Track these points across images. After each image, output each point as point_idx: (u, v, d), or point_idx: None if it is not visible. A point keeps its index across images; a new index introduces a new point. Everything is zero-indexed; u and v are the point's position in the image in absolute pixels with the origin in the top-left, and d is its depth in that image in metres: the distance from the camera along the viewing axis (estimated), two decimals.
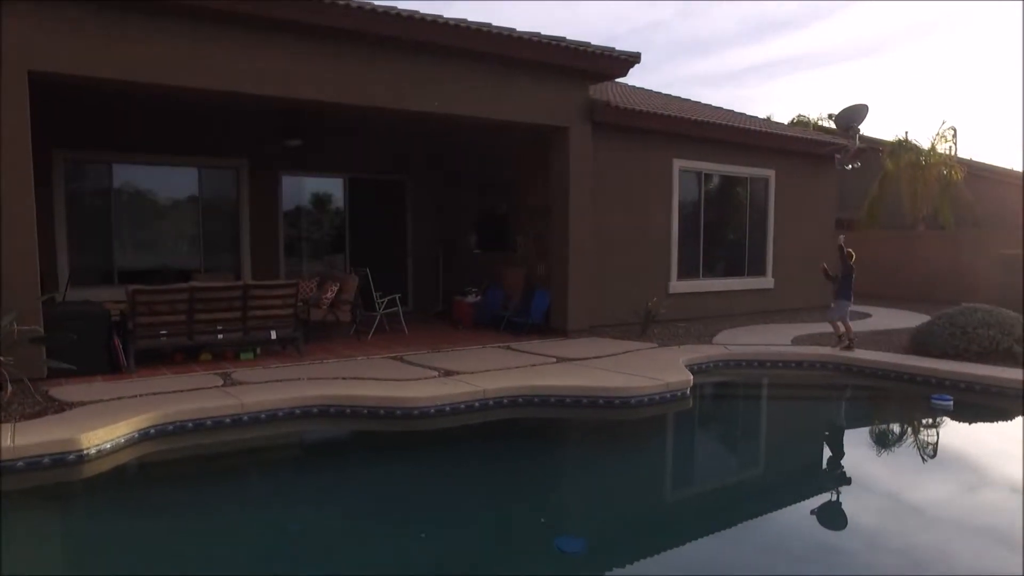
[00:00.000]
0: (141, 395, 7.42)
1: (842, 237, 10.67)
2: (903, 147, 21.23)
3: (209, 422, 6.94)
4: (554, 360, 9.68)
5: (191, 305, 8.95)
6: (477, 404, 7.69)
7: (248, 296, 9.27)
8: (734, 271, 14.74)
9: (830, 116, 15.05)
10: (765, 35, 48.08)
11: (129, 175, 12.30)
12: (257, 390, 7.66)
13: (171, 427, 6.76)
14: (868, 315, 15.41)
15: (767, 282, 15.21)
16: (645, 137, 12.70)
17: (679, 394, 8.30)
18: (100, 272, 12.07)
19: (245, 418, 7.09)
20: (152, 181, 12.49)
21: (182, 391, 7.64)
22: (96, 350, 8.57)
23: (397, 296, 12.04)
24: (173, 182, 12.66)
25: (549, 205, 12.17)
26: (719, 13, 51.83)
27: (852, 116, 15.34)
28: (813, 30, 47.80)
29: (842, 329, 10.59)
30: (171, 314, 8.88)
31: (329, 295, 11.20)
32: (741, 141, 14.03)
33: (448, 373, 8.71)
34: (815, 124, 24.27)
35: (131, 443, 6.42)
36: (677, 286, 13.53)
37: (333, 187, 14.30)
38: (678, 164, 13.38)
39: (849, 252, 10.64)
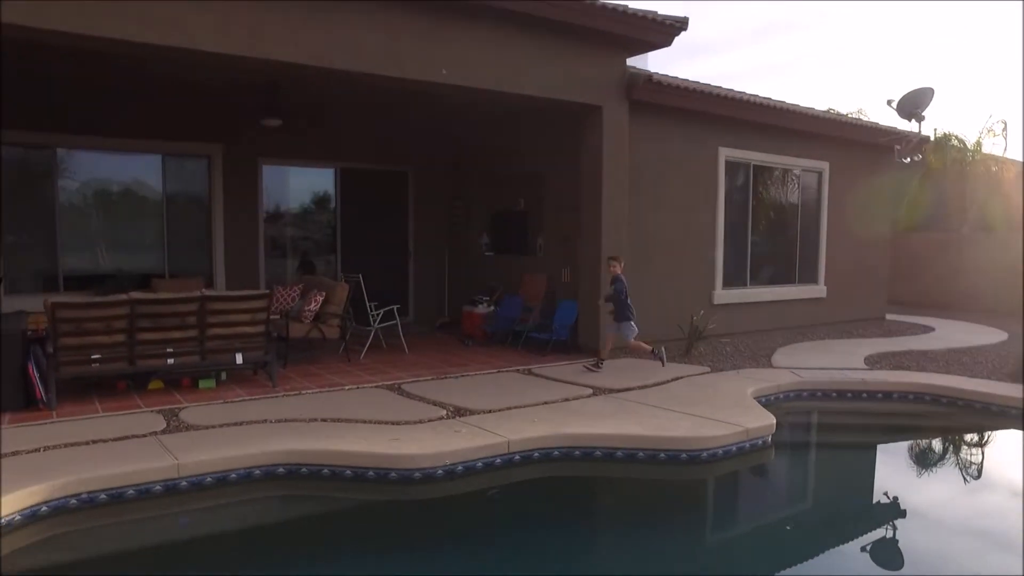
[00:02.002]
0: (47, 447, 5.49)
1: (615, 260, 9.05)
2: (947, 142, 19.31)
3: (131, 491, 5.01)
4: (590, 392, 7.75)
5: (132, 322, 7.02)
6: (499, 461, 5.75)
7: (206, 310, 7.34)
8: (783, 278, 12.78)
9: (889, 102, 12.95)
10: (776, 32, 46.02)
11: (78, 162, 10.37)
12: (206, 440, 5.73)
13: (73, 502, 4.82)
14: (931, 328, 13.50)
15: (819, 291, 13.26)
16: (687, 121, 10.77)
17: (760, 443, 6.37)
18: (43, 277, 10.15)
19: (183, 484, 5.16)
20: (106, 170, 10.55)
21: (106, 440, 5.71)
22: (5, 379, 6.66)
23: (395, 307, 10.10)
24: (132, 171, 10.73)
25: (577, 200, 10.23)
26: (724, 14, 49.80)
27: (916, 101, 13.33)
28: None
29: (608, 347, 9.11)
30: (106, 333, 6.95)
31: (313, 306, 9.26)
32: (795, 127, 12.07)
33: (459, 412, 6.78)
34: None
35: (11, 529, 4.49)
36: (722, 295, 11.58)
37: (322, 179, 12.34)
38: (724, 153, 11.45)
39: (614, 269, 8.91)
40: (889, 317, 14.68)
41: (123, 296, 7.01)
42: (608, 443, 6.04)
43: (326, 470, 5.44)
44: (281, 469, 5.45)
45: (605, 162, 9.70)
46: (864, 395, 8.39)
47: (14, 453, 5.37)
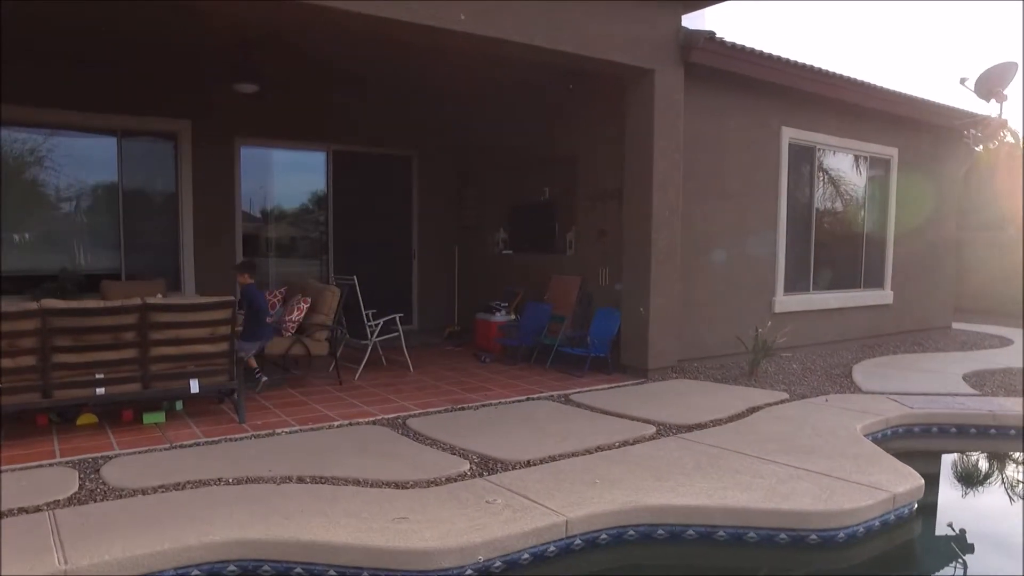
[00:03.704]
0: None
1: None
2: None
3: None
4: (652, 430, 5.94)
5: (45, 340, 5.21)
6: (553, 549, 3.94)
7: (149, 323, 5.53)
8: (847, 282, 10.97)
9: (962, 80, 11.12)
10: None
11: (15, 141, 8.55)
12: (124, 518, 3.90)
13: None
14: (1008, 340, 11.73)
15: (885, 296, 11.47)
16: (748, 94, 8.98)
17: (907, 511, 4.57)
18: None
19: None
20: (50, 150, 8.72)
21: None
22: None
23: (398, 316, 8.27)
24: (80, 151, 8.90)
25: (619, 188, 8.44)
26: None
27: (998, 78, 11.54)
28: None
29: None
30: (8, 355, 5.14)
31: (296, 315, 7.45)
32: (867, 105, 10.27)
33: (486, 465, 4.98)
34: None
35: None
36: (783, 302, 9.78)
37: (311, 163, 10.51)
38: (787, 134, 9.65)
39: (244, 279, 7.09)
40: (955, 326, 12.94)
41: (31, 305, 5.19)
42: (705, 519, 4.22)
43: (299, 569, 3.63)
44: (232, 568, 3.65)
45: (657, 139, 7.90)
46: (992, 431, 6.60)
47: None
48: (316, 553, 3.61)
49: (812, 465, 4.97)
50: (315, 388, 7.35)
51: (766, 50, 8.64)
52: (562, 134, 9.52)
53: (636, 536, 4.19)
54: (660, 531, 4.22)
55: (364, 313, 8.01)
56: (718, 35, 8.04)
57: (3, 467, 4.80)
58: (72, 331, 5.31)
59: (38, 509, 4.06)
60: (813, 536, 4.16)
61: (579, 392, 7.32)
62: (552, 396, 7.16)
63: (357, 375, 7.85)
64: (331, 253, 10.63)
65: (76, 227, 8.98)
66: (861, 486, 4.56)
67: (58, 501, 4.19)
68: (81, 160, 8.90)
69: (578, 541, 4.03)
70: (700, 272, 8.74)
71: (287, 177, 10.51)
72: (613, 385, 7.72)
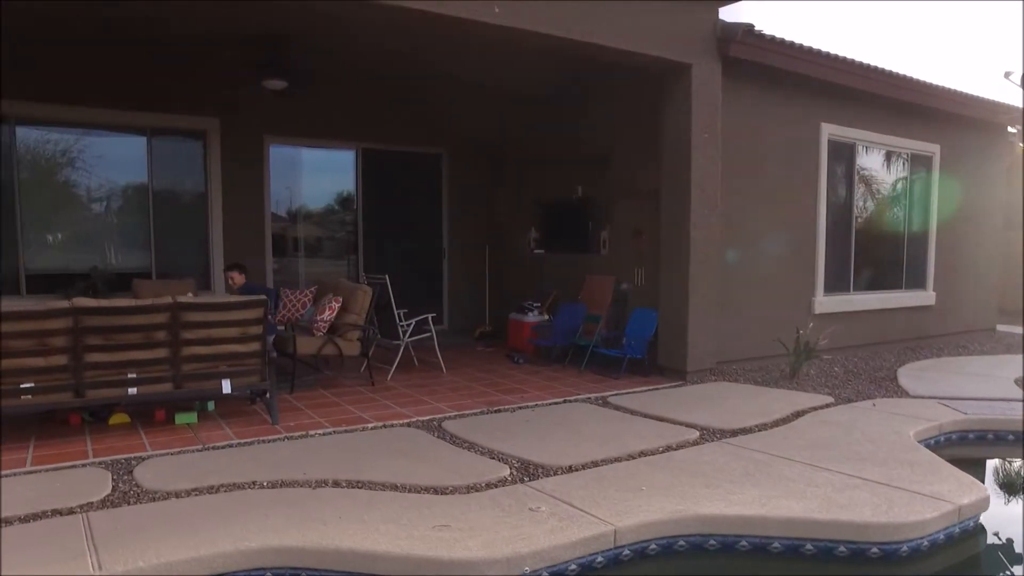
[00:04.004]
0: None
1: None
2: None
3: None
4: (696, 434, 5.74)
5: (77, 339, 5.12)
6: (601, 560, 3.76)
7: (180, 322, 5.43)
8: (888, 283, 10.67)
9: (1007, 74, 10.83)
10: None
11: (47, 142, 8.53)
12: (156, 523, 3.78)
13: None
14: None
15: (927, 297, 11.14)
16: (786, 89, 8.74)
17: (971, 525, 4.34)
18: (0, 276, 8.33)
19: None
20: (76, 147, 8.68)
21: (11, 522, 3.81)
22: None
23: (430, 316, 8.13)
24: (111, 151, 8.86)
25: (655, 185, 8.24)
26: None
27: None
28: None
29: None
30: (40, 355, 5.06)
31: (328, 315, 7.34)
32: (908, 101, 9.97)
33: (527, 469, 4.81)
34: None
35: None
36: (823, 303, 9.51)
37: (340, 161, 10.41)
38: (827, 131, 9.39)
39: (237, 280, 7.07)
40: (999, 328, 12.56)
41: (63, 304, 5.10)
42: (760, 529, 4.02)
43: None
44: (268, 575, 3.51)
45: (695, 136, 7.70)
46: None
47: None
48: (355, 562, 3.46)
49: (867, 473, 4.75)
50: (347, 389, 7.23)
51: (805, 44, 8.40)
52: (595, 131, 9.33)
53: (687, 547, 4.00)
54: (712, 541, 4.02)
55: (396, 313, 7.87)
56: (756, 28, 7.82)
57: (35, 468, 4.72)
58: (104, 330, 5.22)
59: (71, 511, 3.96)
60: (874, 549, 3.94)
61: (616, 394, 7.13)
62: (589, 398, 6.98)
63: (389, 376, 7.72)
64: (360, 252, 10.51)
65: (107, 226, 8.94)
66: (922, 496, 4.33)
67: (92, 503, 4.09)
68: (111, 160, 8.85)
69: (626, 551, 3.85)
70: (737, 272, 8.51)
71: (316, 176, 10.41)
72: (651, 387, 7.52)
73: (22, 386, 5.04)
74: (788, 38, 8.14)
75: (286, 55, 7.75)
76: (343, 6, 5.86)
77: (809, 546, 3.98)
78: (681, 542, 4.00)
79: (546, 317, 9.34)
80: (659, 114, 8.09)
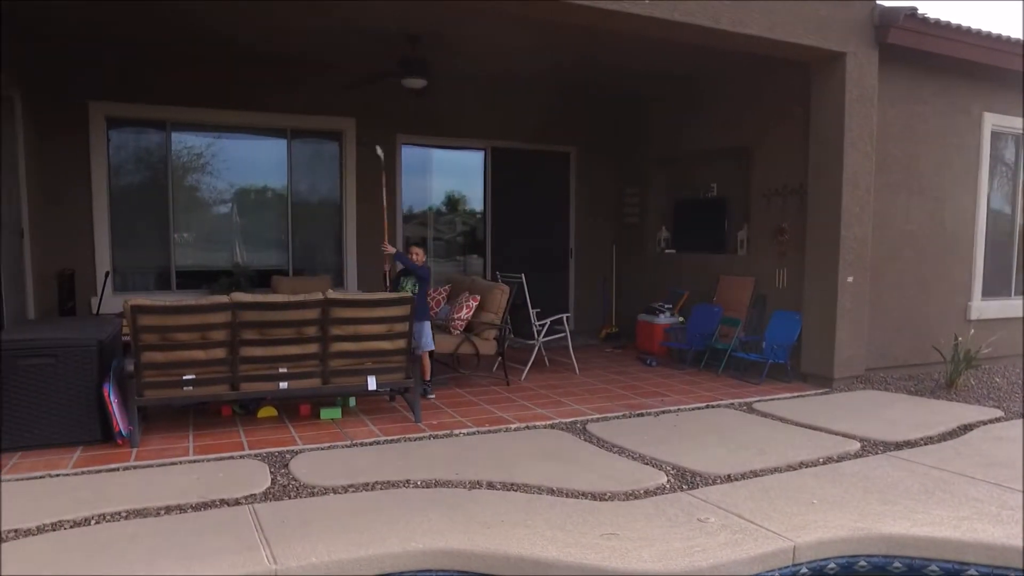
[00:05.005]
0: (83, 522, 3.73)
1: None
2: None
3: None
4: (857, 445, 5.37)
5: (234, 333, 5.26)
6: None
7: (330, 318, 5.49)
8: None
9: None
10: None
11: (192, 142, 8.89)
12: (321, 518, 3.78)
13: None
14: None
15: None
16: (944, 75, 8.12)
17: None
18: (154, 272, 8.74)
19: None
20: (223, 149, 9.01)
21: (183, 509, 3.91)
22: (78, 407, 5.05)
23: (565, 316, 8.00)
24: (254, 153, 9.16)
25: (801, 182, 7.83)
26: None
27: None
28: None
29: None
30: (201, 347, 5.21)
31: (465, 313, 7.32)
32: None
33: (684, 477, 4.59)
34: None
35: None
36: (981, 308, 8.81)
37: (470, 161, 10.42)
38: (990, 120, 8.69)
39: (417, 253, 6.58)
40: None
41: (223, 298, 5.24)
42: (954, 554, 3.66)
43: None
44: None
45: (848, 130, 7.25)
46: None
47: (14, 532, 3.62)
48: (525, 568, 3.35)
49: None
50: (482, 388, 7.18)
51: (973, 27, 7.78)
52: (732, 125, 8.95)
53: (868, 568, 3.69)
54: (897, 563, 3.70)
55: (531, 312, 7.78)
56: (920, 12, 7.29)
57: (197, 457, 4.86)
58: (258, 325, 5.33)
59: (238, 502, 4.03)
60: None
61: (760, 400, 6.79)
62: (733, 404, 6.67)
63: (524, 376, 7.63)
64: (488, 252, 10.49)
65: (247, 225, 9.23)
66: None
67: (255, 495, 4.15)
68: (254, 161, 9.14)
69: (804, 570, 3.58)
70: (888, 274, 7.98)
71: (445, 175, 10.45)
72: (796, 394, 7.14)
73: (184, 378, 5.20)
74: (953, 21, 7.56)
75: (424, 53, 7.77)
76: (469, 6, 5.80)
77: None
78: (862, 562, 3.69)
79: (679, 319, 9.05)
80: (804, 107, 7.68)
